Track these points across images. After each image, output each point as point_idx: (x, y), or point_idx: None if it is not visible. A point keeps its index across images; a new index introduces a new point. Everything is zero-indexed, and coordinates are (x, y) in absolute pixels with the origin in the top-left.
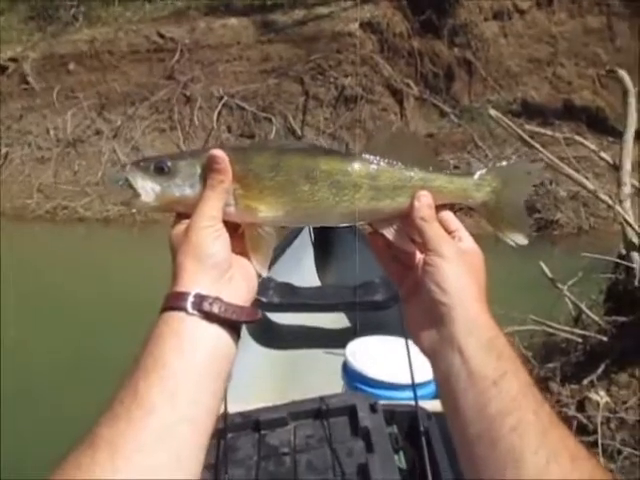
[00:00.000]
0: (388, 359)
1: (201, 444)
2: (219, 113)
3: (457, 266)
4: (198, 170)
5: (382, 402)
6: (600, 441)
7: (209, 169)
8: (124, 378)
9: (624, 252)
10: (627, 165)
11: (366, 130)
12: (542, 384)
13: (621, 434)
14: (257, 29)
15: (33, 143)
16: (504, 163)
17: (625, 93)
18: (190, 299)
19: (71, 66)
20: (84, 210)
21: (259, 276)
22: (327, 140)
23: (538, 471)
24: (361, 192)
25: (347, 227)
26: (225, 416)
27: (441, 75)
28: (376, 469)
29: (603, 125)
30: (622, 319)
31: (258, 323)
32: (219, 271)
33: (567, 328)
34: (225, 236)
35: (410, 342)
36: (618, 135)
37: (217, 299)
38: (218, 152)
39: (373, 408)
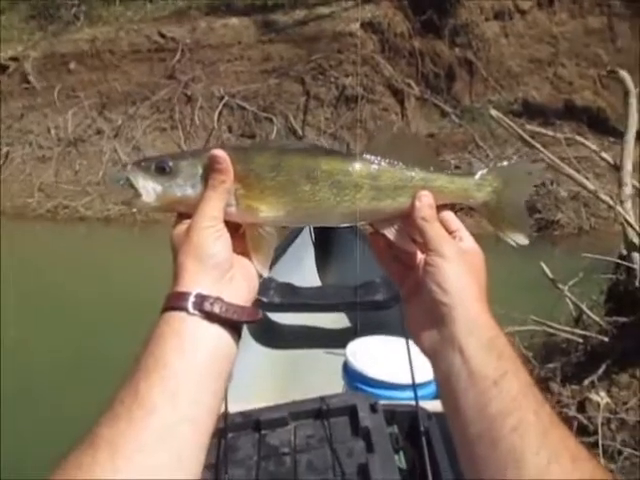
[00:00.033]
0: (388, 359)
1: (202, 444)
2: (220, 113)
3: (458, 266)
4: (199, 170)
5: (382, 402)
6: (600, 442)
7: (210, 169)
8: (125, 378)
9: (625, 253)
10: (628, 165)
11: (367, 130)
12: (542, 384)
13: (621, 435)
14: (258, 29)
15: (34, 142)
16: (505, 163)
17: (626, 94)
18: (191, 299)
19: (72, 65)
20: (85, 209)
21: (260, 276)
22: (328, 140)
23: (539, 471)
24: (362, 192)
25: (348, 227)
26: (225, 416)
27: (442, 75)
28: (376, 469)
29: (604, 125)
30: (623, 320)
31: (259, 323)
32: (220, 271)
33: (568, 328)
34: (226, 236)
35: (410, 342)
36: (619, 135)
37: (218, 299)
38: (219, 152)
39: (373, 408)
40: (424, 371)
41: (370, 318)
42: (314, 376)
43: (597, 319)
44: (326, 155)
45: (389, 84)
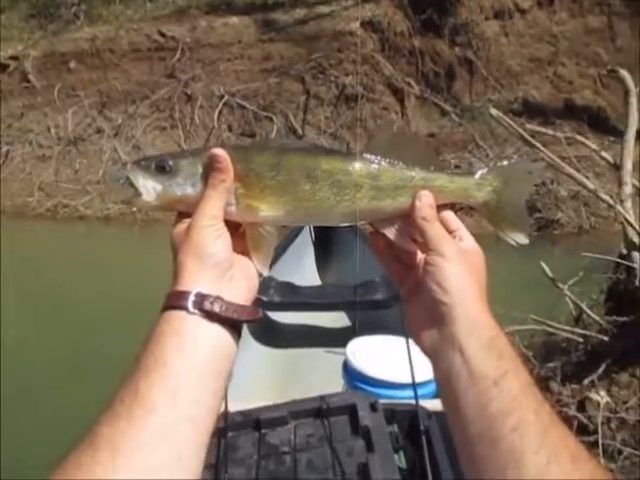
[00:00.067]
0: (388, 358)
1: (202, 443)
2: (220, 112)
3: (458, 266)
4: (199, 169)
5: (382, 401)
6: (600, 441)
7: (210, 168)
8: (125, 377)
9: (625, 252)
10: (628, 165)
11: (367, 129)
12: (542, 384)
13: (621, 434)
14: (258, 28)
15: (34, 141)
16: (505, 163)
17: (626, 93)
18: (191, 298)
19: (72, 64)
20: (85, 208)
21: (260, 275)
22: (328, 139)
23: (539, 471)
24: (362, 192)
25: (348, 226)
26: (225, 415)
27: (442, 74)
28: (376, 468)
29: (604, 125)
30: (623, 319)
31: (259, 322)
32: (220, 270)
33: (568, 328)
34: (226, 235)
35: (410, 341)
36: (619, 135)
37: (218, 298)
38: (219, 151)
39: (373, 407)
40: (424, 370)
41: (370, 317)
42: (314, 375)
43: (597, 318)
44: (326, 154)
45: (389, 83)
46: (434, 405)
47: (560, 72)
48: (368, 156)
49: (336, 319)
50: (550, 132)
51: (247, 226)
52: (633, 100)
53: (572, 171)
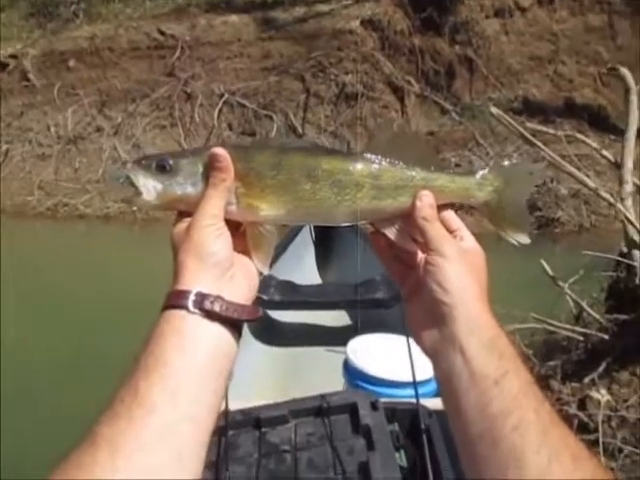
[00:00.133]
0: (389, 357)
1: (202, 442)
2: (220, 110)
3: (459, 266)
4: (200, 168)
5: (383, 400)
6: (601, 439)
7: (211, 167)
8: (125, 376)
9: (625, 250)
10: (629, 163)
11: (367, 128)
12: (543, 382)
13: (622, 432)
14: (258, 26)
15: (34, 140)
16: (506, 163)
17: (627, 91)
18: (191, 297)
19: (71, 63)
20: (85, 207)
21: (260, 274)
22: (328, 138)
23: (540, 471)
24: (363, 191)
25: (348, 226)
26: (226, 413)
27: (442, 72)
28: (377, 467)
29: (604, 123)
30: (623, 317)
31: (259, 321)
32: (220, 270)
33: (568, 326)
34: (227, 235)
35: (411, 340)
36: (620, 133)
37: (218, 297)
38: (220, 150)
39: (374, 406)
40: (425, 369)
41: (370, 316)
42: (314, 374)
43: (597, 317)
44: (327, 154)
45: (389, 81)
46: (435, 404)
47: (560, 70)
48: (369, 156)
49: (336, 318)
50: (550, 130)
51: (247, 225)
52: (634, 98)
53: (573, 169)
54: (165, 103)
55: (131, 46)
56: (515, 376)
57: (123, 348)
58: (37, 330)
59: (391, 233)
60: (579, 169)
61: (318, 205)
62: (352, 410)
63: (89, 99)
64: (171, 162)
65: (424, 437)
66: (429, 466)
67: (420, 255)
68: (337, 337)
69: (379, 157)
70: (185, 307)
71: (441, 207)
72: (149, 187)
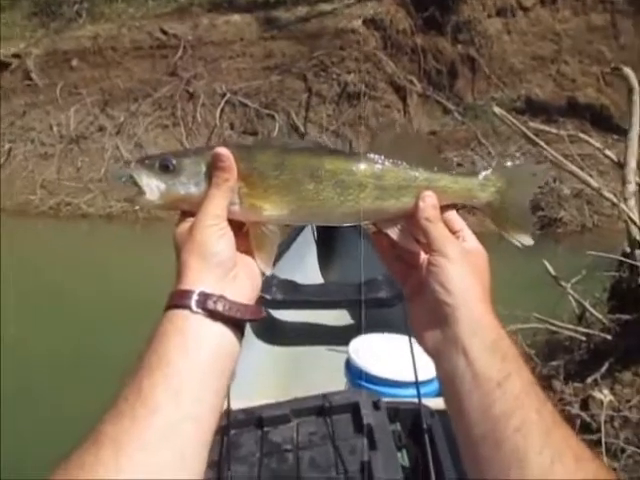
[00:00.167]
0: (391, 356)
1: (205, 442)
2: (222, 110)
3: (461, 267)
4: (203, 168)
5: (385, 399)
6: (604, 440)
7: (214, 167)
8: (128, 376)
9: (628, 250)
10: (632, 163)
11: (369, 127)
12: (545, 382)
13: (625, 433)
14: (260, 26)
15: (36, 139)
16: (509, 163)
17: (630, 91)
18: (194, 297)
19: (74, 62)
20: (87, 206)
21: (263, 274)
22: (330, 137)
23: (543, 471)
24: (366, 192)
25: (351, 226)
26: (228, 413)
27: (444, 72)
28: (379, 467)
29: (607, 123)
30: (626, 317)
31: (261, 320)
32: (223, 269)
33: (570, 326)
34: (229, 234)
35: (413, 339)
36: (623, 133)
37: (221, 297)
38: (223, 150)
39: (376, 405)
40: (427, 368)
41: (373, 315)
42: (316, 373)
43: (600, 317)
44: (330, 154)
45: (391, 81)
46: (437, 403)
47: (563, 70)
48: (372, 156)
49: (338, 317)
50: (553, 130)
51: (250, 225)
52: (637, 98)
53: (576, 169)
54: (167, 102)
55: (134, 45)
56: (518, 377)
57: (124, 348)
58: (39, 330)
59: (394, 233)
60: (582, 169)
61: (321, 205)
62: (354, 410)
63: (92, 98)
64: (174, 162)
65: (426, 437)
66: (431, 466)
67: (423, 256)
68: (339, 336)
69: (382, 157)
70: (188, 307)
71: (444, 208)
72: (152, 187)
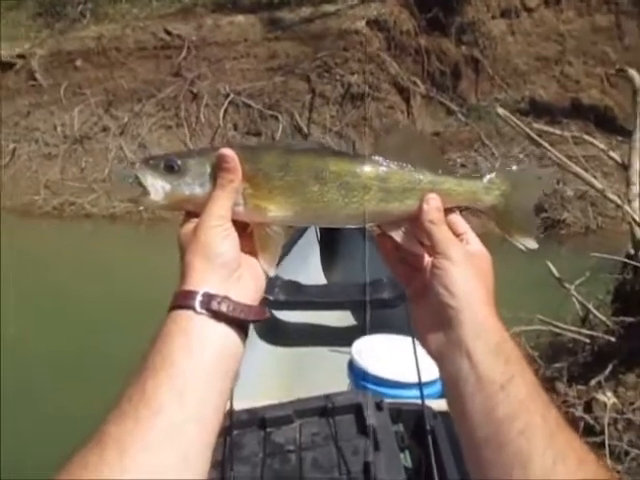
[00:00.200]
0: (394, 357)
1: (208, 443)
2: (225, 110)
3: (465, 269)
4: (208, 169)
5: (388, 400)
6: (607, 442)
7: (219, 168)
8: (132, 376)
9: (632, 252)
10: (636, 164)
11: (372, 128)
12: (549, 384)
13: (628, 435)
14: (264, 26)
15: (40, 139)
16: (514, 167)
17: (634, 92)
18: (198, 298)
19: (78, 63)
20: (91, 207)
21: (267, 275)
22: (333, 138)
23: (545, 472)
24: (370, 194)
25: (355, 227)
26: (231, 413)
27: (448, 73)
28: (382, 467)
29: (612, 124)
30: (630, 319)
31: (265, 321)
32: (228, 270)
33: (574, 328)
34: (234, 235)
35: (416, 341)
36: (627, 134)
37: (225, 298)
38: (228, 151)
39: (379, 406)
40: (430, 370)
41: (376, 316)
42: (319, 374)
43: (604, 319)
44: (334, 156)
45: (395, 82)
46: (440, 405)
47: (567, 71)
48: (376, 158)
49: (341, 318)
50: (557, 131)
51: (255, 226)
52: None
53: (580, 170)
54: (171, 103)
55: (138, 46)
56: (521, 380)
57: (127, 348)
58: (42, 330)
59: (398, 236)
60: (586, 170)
61: (325, 207)
62: (357, 410)
63: (96, 99)
64: (179, 162)
65: (429, 438)
66: (434, 467)
67: (426, 258)
68: (342, 337)
69: (387, 160)
70: (192, 307)
71: (448, 210)
72: (157, 187)
